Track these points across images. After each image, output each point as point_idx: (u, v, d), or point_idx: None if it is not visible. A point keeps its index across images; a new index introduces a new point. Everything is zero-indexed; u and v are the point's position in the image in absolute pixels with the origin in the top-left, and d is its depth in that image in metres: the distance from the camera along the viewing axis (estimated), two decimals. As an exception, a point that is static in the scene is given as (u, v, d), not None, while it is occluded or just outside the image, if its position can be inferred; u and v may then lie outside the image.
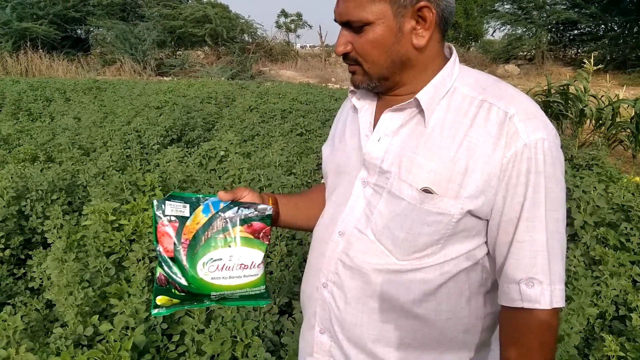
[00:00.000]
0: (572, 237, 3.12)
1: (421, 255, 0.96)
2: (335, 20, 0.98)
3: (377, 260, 0.98)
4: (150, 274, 2.85)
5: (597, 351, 2.08)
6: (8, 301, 2.76)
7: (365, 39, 0.93)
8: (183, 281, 1.00)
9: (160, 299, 1.01)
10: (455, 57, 1.01)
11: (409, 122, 0.98)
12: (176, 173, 4.05)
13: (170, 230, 1.00)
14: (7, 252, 3.18)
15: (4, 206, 3.46)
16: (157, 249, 1.00)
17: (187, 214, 1.01)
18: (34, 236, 3.48)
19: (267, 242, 1.05)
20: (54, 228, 3.17)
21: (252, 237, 1.03)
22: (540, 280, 0.91)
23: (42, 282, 2.95)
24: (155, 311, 1.02)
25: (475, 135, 0.91)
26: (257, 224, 1.04)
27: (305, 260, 2.92)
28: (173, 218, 1.00)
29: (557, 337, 0.99)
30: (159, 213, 1.00)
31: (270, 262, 2.97)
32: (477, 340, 1.03)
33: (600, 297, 2.48)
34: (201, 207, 1.02)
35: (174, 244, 1.00)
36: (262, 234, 1.04)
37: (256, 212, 1.04)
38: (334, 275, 1.04)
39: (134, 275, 2.79)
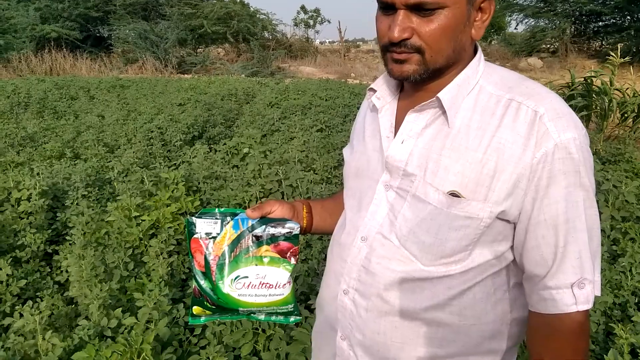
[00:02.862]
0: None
1: (448, 261, 0.93)
2: (389, 4, 0.88)
3: (402, 267, 0.95)
4: (169, 268, 2.90)
5: (617, 341, 2.06)
6: (35, 295, 2.83)
7: (437, 23, 0.86)
8: (213, 295, 1.04)
9: (195, 309, 1.07)
10: (480, 54, 0.97)
11: (434, 123, 0.94)
12: (200, 169, 4.09)
13: (202, 246, 1.04)
14: (35, 246, 3.25)
15: (36, 200, 3.54)
16: (192, 263, 1.05)
17: (217, 230, 1.04)
18: (65, 229, 3.55)
19: (295, 262, 1.05)
20: (79, 224, 3.23)
21: (278, 256, 1.04)
22: (590, 279, 0.90)
23: (69, 276, 3.02)
24: (192, 320, 1.08)
25: (504, 135, 0.88)
26: (284, 244, 1.04)
27: (322, 253, 2.94)
28: (204, 234, 1.04)
29: (589, 341, 0.96)
30: (192, 229, 1.04)
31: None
32: (503, 347, 1.00)
33: (621, 289, 2.45)
34: (231, 224, 1.04)
35: (205, 259, 1.03)
36: (289, 253, 1.05)
37: (283, 232, 1.05)
38: (356, 282, 1.01)
39: (152, 270, 2.83)
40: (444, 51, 0.90)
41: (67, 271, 3.04)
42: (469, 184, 0.89)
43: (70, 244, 3.23)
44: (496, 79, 0.94)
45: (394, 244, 0.96)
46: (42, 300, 2.58)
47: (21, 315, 2.24)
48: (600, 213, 3.05)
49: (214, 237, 1.04)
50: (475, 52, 0.98)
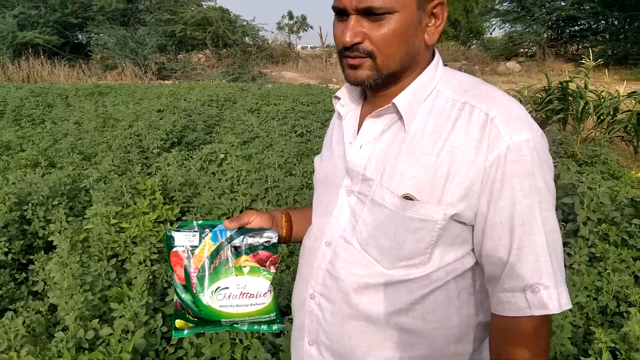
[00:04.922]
0: (575, 233, 3.11)
1: (407, 264, 0.94)
2: (342, 10, 0.90)
3: (364, 271, 0.96)
4: (151, 277, 2.86)
5: (595, 344, 2.08)
6: (10, 306, 2.77)
7: (387, 28, 0.88)
8: (194, 307, 1.05)
9: (178, 322, 1.08)
10: (437, 59, 0.98)
11: (391, 128, 0.96)
12: (176, 176, 4.05)
13: (182, 259, 1.04)
14: (9, 256, 3.19)
15: (6, 212, 3.47)
16: (172, 277, 1.05)
17: (196, 242, 1.04)
18: (36, 241, 3.49)
19: (275, 271, 1.05)
20: (57, 231, 3.18)
21: (258, 266, 1.04)
22: (546, 284, 0.88)
23: (45, 286, 2.96)
24: (176, 333, 1.09)
25: (457, 139, 0.89)
26: (263, 253, 1.05)
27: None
28: (183, 247, 1.04)
29: (549, 346, 0.95)
30: (170, 243, 1.04)
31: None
32: (470, 350, 1.01)
33: (601, 293, 2.47)
34: (210, 235, 1.05)
35: (185, 272, 1.04)
36: (268, 262, 1.05)
37: (262, 241, 1.05)
38: (322, 286, 1.03)
39: (135, 277, 2.80)
40: (395, 55, 0.91)
41: (44, 281, 2.98)
42: (424, 187, 0.90)
43: (45, 253, 3.17)
44: (455, 84, 0.96)
45: (355, 248, 0.98)
46: (16, 313, 2.53)
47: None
48: (575, 215, 3.09)
49: (193, 250, 1.04)
50: (433, 57, 0.99)
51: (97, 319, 2.32)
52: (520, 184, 0.87)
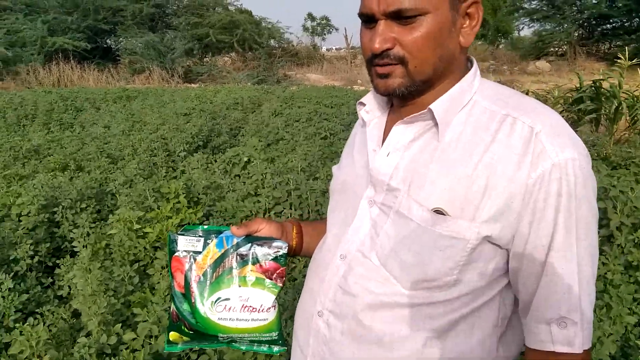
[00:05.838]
0: (608, 239, 2.99)
1: (431, 285, 0.86)
2: (370, 16, 0.85)
3: (381, 289, 0.88)
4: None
5: None
6: (37, 310, 2.80)
7: (419, 31, 0.82)
8: (191, 319, 0.97)
9: (172, 335, 1.00)
10: (476, 68, 0.92)
11: (423, 136, 0.89)
12: (200, 179, 4.06)
13: (183, 265, 0.97)
14: (36, 259, 3.23)
15: (34, 215, 3.52)
16: (172, 283, 0.98)
17: (199, 248, 0.97)
18: (64, 244, 3.53)
19: (281, 285, 0.98)
20: (81, 236, 3.21)
21: (264, 277, 0.97)
22: (574, 320, 0.82)
23: (70, 290, 2.99)
24: (168, 347, 1.00)
25: (497, 151, 0.82)
26: (270, 264, 0.98)
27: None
28: (185, 252, 0.97)
29: None
30: (173, 247, 0.98)
31: (294, 268, 2.94)
32: None
33: (639, 305, 2.36)
34: (215, 241, 0.98)
35: (185, 279, 0.97)
36: (275, 275, 0.98)
37: (270, 251, 0.98)
38: (332, 303, 0.94)
39: (158, 283, 2.80)
40: (429, 60, 0.85)
41: (69, 286, 3.02)
42: (456, 201, 0.83)
43: (71, 257, 3.21)
44: (491, 94, 0.89)
45: (373, 264, 0.90)
46: (42, 317, 2.56)
47: (21, 333, 2.20)
48: (609, 220, 2.98)
49: (196, 256, 0.97)
50: (470, 65, 0.93)
51: (120, 324, 2.33)
52: (565, 205, 0.80)
